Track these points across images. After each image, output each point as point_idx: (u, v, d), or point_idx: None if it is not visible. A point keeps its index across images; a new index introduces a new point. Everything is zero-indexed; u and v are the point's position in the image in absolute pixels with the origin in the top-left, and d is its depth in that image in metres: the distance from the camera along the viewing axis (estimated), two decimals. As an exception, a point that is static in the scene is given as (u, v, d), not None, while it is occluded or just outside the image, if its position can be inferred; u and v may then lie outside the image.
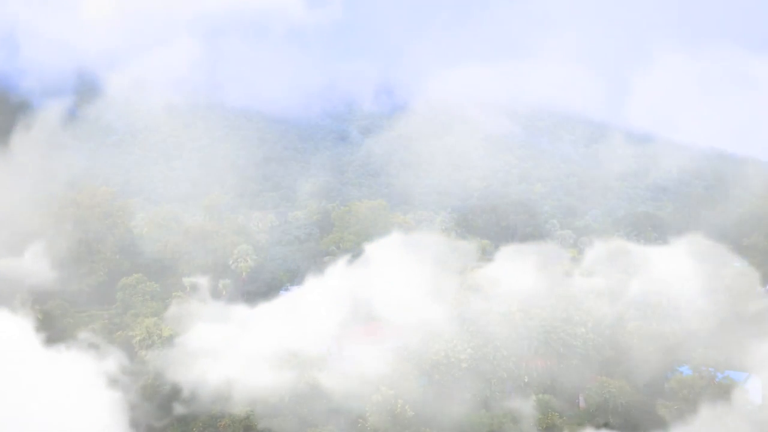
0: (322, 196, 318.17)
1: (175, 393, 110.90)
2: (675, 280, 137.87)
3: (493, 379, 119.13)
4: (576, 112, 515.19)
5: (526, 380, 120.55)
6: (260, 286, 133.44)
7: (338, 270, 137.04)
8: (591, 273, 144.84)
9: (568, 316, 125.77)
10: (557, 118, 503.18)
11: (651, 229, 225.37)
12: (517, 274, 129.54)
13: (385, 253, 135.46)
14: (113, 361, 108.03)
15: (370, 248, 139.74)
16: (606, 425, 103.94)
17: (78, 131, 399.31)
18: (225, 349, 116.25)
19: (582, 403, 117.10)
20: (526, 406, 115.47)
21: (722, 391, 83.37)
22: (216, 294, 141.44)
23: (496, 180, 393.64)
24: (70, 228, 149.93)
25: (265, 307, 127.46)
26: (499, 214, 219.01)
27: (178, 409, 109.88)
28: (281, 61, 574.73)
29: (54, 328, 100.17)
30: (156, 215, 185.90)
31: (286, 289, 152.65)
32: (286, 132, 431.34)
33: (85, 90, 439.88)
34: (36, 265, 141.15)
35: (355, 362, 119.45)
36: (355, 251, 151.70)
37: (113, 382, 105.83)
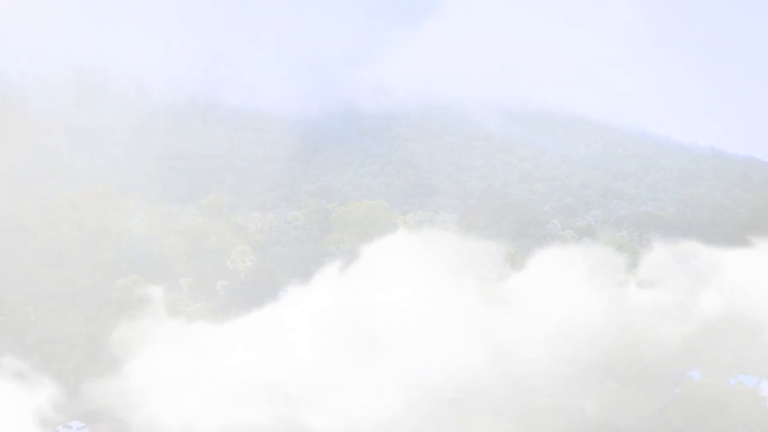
0: (321, 196, 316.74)
1: None
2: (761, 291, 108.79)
3: (529, 413, 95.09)
4: (576, 112, 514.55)
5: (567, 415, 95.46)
6: (259, 287, 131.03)
7: (330, 278, 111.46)
8: (651, 283, 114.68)
9: (623, 337, 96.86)
10: (557, 118, 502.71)
11: (653, 229, 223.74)
12: (556, 284, 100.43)
13: (389, 256, 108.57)
14: (45, 394, 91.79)
15: (371, 250, 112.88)
16: None
17: (77, 131, 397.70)
18: (184, 380, 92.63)
19: None
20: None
21: (735, 396, 74.96)
22: (214, 295, 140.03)
23: (497, 180, 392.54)
24: (66, 228, 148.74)
25: (237, 326, 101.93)
26: (500, 214, 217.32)
27: None
28: (279, 61, 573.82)
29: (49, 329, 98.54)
30: (154, 215, 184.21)
31: (285, 291, 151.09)
32: (285, 132, 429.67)
33: (83, 89, 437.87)
34: (32, 265, 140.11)
35: (352, 397, 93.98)
36: (352, 253, 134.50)
37: (44, 421, 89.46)
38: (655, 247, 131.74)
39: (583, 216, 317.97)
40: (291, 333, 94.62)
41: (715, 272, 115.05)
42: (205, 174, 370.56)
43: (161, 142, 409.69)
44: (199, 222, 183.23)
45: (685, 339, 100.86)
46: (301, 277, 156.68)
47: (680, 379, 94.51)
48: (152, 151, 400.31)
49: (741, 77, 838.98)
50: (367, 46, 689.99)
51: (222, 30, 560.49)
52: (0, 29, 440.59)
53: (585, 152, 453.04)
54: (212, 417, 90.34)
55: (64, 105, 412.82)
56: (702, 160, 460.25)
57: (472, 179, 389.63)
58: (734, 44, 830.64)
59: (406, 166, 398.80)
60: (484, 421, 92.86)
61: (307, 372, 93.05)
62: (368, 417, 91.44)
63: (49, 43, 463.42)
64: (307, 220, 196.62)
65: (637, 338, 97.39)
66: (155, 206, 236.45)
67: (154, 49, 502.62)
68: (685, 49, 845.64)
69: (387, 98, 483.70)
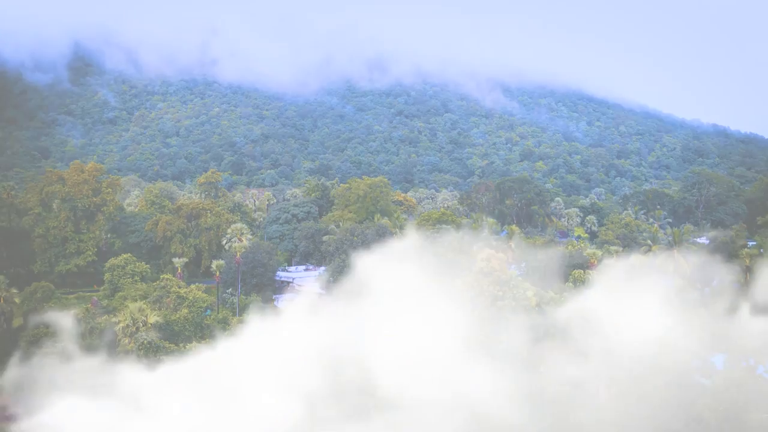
0: (321, 173, 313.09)
1: None
2: None
3: None
4: (577, 89, 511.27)
5: None
6: (256, 267, 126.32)
7: (310, 301, 78.79)
8: None
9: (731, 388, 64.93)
10: (558, 95, 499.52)
11: (660, 207, 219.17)
12: (631, 309, 66.82)
13: (395, 268, 73.75)
14: None
15: (370, 259, 78.32)
16: None
17: (72, 107, 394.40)
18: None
19: None
20: None
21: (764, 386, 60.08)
22: (209, 275, 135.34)
23: (498, 157, 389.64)
24: (57, 206, 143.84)
25: (180, 367, 71.69)
26: (502, 192, 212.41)
27: None
28: (276, 37, 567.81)
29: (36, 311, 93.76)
30: (149, 192, 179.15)
31: (284, 270, 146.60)
32: (284, 109, 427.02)
33: (79, 65, 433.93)
34: (21, 244, 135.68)
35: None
36: (345, 261, 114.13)
37: None
38: None
39: (586, 194, 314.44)
40: (256, 377, 66.01)
41: None
42: (202, 151, 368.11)
43: (158, 118, 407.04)
44: (196, 200, 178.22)
45: None
46: (300, 255, 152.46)
47: (703, 368, 67.76)
48: (149, 128, 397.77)
49: (744, 55, 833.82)
50: (365, 22, 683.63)
51: (218, 5, 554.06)
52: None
53: (586, 129, 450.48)
54: None
55: (59, 80, 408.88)
56: (705, 137, 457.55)
57: (473, 156, 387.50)
58: (737, 22, 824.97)
59: (407, 144, 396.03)
60: None
61: None
62: None
63: (44, 18, 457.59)
64: (306, 197, 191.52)
65: (752, 390, 64.65)
66: (151, 183, 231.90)
67: (149, 24, 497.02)
68: (687, 26, 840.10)
69: (385, 75, 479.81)
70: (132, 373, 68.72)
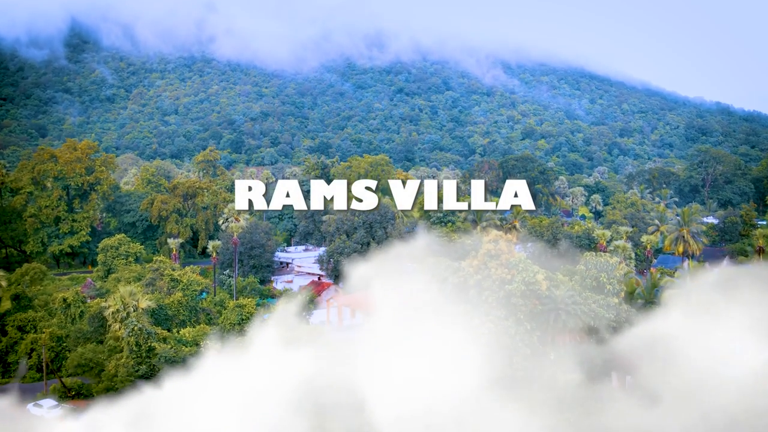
0: (321, 152, 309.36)
1: None
2: None
3: None
4: (579, 67, 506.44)
5: None
6: (254, 248, 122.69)
7: (293, 329, 60.03)
8: None
9: None
10: (560, 72, 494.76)
11: (665, 186, 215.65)
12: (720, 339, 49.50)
13: (394, 284, 57.91)
14: None
15: (366, 273, 61.21)
16: None
17: (70, 85, 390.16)
18: None
19: None
20: None
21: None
22: (205, 256, 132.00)
23: (499, 136, 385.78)
24: (50, 184, 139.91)
25: (108, 413, 54.17)
26: (506, 170, 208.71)
27: None
28: (274, 13, 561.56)
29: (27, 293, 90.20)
30: (145, 171, 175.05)
31: (283, 250, 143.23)
32: (283, 86, 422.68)
33: (76, 42, 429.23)
34: (12, 225, 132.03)
35: None
36: (343, 239, 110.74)
37: None
38: None
39: (589, 172, 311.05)
40: (215, 424, 50.44)
41: None
42: (201, 129, 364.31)
43: (156, 96, 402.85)
44: (193, 178, 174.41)
45: None
46: (299, 237, 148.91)
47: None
48: (147, 106, 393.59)
49: (748, 33, 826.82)
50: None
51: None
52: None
53: (589, 107, 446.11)
54: None
55: (55, 57, 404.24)
56: (708, 115, 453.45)
57: (475, 135, 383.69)
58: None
59: (407, 122, 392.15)
60: None
61: None
62: None
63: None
64: (306, 175, 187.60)
65: None
66: (149, 162, 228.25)
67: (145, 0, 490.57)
68: (691, 2, 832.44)
69: (384, 52, 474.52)
70: (51, 420, 55.34)
